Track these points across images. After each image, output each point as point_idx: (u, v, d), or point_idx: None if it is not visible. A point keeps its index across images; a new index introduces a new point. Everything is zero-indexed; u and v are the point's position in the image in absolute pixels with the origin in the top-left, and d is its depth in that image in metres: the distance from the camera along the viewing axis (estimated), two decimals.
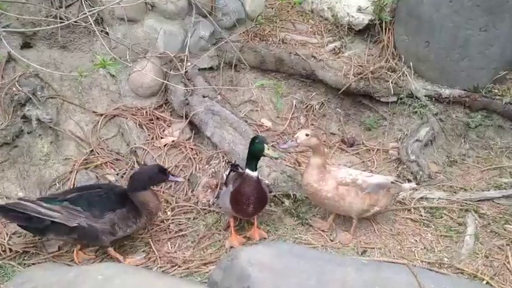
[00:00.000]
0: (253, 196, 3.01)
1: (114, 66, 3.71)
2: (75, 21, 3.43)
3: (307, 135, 3.05)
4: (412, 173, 3.84)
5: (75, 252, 3.10)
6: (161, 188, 3.63)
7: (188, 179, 3.67)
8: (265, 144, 2.98)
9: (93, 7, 3.97)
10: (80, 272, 2.26)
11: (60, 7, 4.01)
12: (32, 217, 2.87)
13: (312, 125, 4.38)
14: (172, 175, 3.21)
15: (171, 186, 3.68)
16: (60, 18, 3.91)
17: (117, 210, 2.96)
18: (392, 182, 3.21)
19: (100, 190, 3.04)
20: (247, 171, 3.02)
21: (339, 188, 3.08)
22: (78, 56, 4.11)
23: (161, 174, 3.08)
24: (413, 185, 3.45)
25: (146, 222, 3.11)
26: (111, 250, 3.06)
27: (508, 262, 3.02)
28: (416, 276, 2.31)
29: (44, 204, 2.86)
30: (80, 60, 4.09)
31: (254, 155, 3.02)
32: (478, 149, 4.18)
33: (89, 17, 3.64)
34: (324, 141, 4.20)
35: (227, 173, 3.35)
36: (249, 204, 3.02)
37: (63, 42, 4.07)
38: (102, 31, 4.09)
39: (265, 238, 3.25)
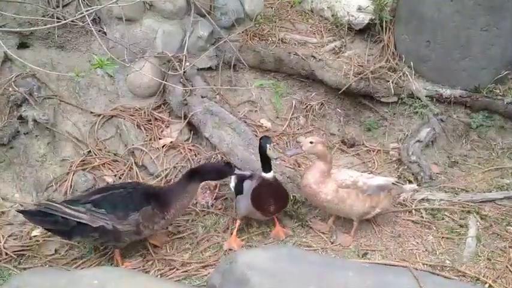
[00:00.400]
0: (272, 197, 3.06)
1: (112, 66, 3.67)
2: (72, 21, 3.38)
3: (311, 142, 3.02)
4: (413, 174, 3.80)
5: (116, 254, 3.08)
6: None
7: None
8: (267, 145, 2.98)
9: (91, 6, 3.93)
10: (76, 277, 2.22)
11: (57, 6, 3.97)
12: (58, 220, 2.83)
13: (312, 125, 4.33)
14: (238, 169, 3.25)
15: None
16: (57, 18, 3.87)
17: (142, 209, 2.92)
18: (393, 183, 3.17)
19: (123, 190, 2.98)
20: (262, 174, 3.05)
21: (339, 190, 3.04)
22: (76, 56, 4.07)
23: (228, 168, 3.14)
24: (414, 186, 3.42)
25: (175, 214, 3.06)
26: (118, 251, 3.02)
27: (511, 264, 2.98)
28: (418, 280, 2.27)
29: (71, 206, 2.84)
30: (78, 60, 4.05)
31: (261, 155, 3.05)
32: (480, 150, 4.14)
33: (86, 16, 3.60)
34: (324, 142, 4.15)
35: (233, 184, 3.29)
36: (270, 205, 3.07)
37: (60, 42, 4.02)
38: (99, 31, 4.04)
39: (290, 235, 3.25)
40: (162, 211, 2.98)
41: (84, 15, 3.60)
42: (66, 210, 2.80)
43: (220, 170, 3.12)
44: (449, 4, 3.95)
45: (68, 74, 3.64)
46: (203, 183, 3.30)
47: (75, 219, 2.81)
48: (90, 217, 2.82)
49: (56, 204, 2.84)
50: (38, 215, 2.87)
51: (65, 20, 3.51)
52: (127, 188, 3.01)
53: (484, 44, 4.03)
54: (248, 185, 3.15)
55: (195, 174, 3.07)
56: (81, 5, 3.84)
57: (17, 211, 3.03)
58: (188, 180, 3.06)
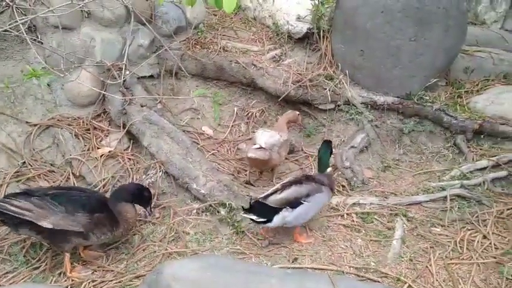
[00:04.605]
0: None
1: (46, 76, 3.64)
2: (5, 30, 3.34)
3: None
4: (346, 179, 3.96)
5: (81, 249, 3.18)
6: None
7: None
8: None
9: (25, 15, 3.87)
10: None
11: None
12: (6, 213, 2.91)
13: (253, 132, 4.42)
14: (151, 209, 3.30)
15: None
16: None
17: (94, 215, 3.00)
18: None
19: (82, 192, 3.10)
20: (328, 170, 3.40)
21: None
22: (11, 65, 4.00)
23: (145, 202, 3.22)
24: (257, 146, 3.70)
25: (123, 232, 3.16)
26: (67, 257, 3.04)
27: (431, 265, 3.16)
28: (335, 285, 2.40)
29: (16, 203, 2.90)
30: (13, 69, 3.99)
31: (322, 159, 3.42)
32: (411, 154, 4.35)
33: (21, 25, 3.55)
34: None
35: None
36: None
37: None
38: (35, 40, 3.99)
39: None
40: (111, 225, 3.07)
41: (18, 24, 3.56)
42: (10, 208, 2.88)
43: (137, 197, 3.18)
44: (380, 15, 4.14)
45: None
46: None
47: (19, 216, 2.88)
48: (36, 214, 2.88)
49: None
50: None
51: None
52: (86, 192, 3.14)
53: (413, 54, 4.24)
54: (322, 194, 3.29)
55: (119, 195, 3.14)
56: (15, 13, 3.78)
57: None
58: (115, 200, 3.12)
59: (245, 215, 3.15)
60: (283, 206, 3.14)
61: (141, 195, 3.18)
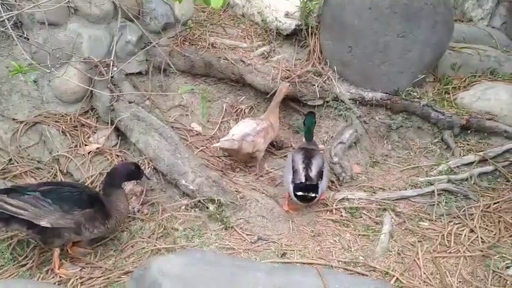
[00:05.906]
0: None
1: (32, 72, 3.61)
2: None
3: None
4: (335, 175, 3.97)
5: (69, 246, 3.16)
6: None
7: None
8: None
9: (11, 10, 3.84)
10: None
11: None
12: None
13: None
14: (147, 177, 3.49)
15: None
16: None
17: (86, 211, 2.99)
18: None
19: (71, 188, 3.08)
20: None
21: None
22: None
23: (137, 170, 3.30)
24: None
25: (116, 224, 3.16)
26: (56, 253, 3.02)
27: (418, 258, 3.19)
28: (323, 277, 2.41)
29: (12, 202, 2.85)
30: None
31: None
32: (399, 150, 4.38)
33: (6, 21, 3.52)
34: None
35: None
36: None
37: None
38: (21, 36, 3.95)
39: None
40: (103, 218, 3.06)
41: (4, 20, 3.53)
42: (7, 207, 2.84)
43: (129, 174, 3.26)
44: (368, 12, 4.15)
45: None
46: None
47: (15, 215, 2.85)
48: (31, 212, 2.85)
49: None
50: None
51: None
52: (76, 187, 3.11)
53: (401, 50, 4.26)
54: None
55: (111, 182, 3.15)
56: (1, 9, 3.74)
57: None
58: (109, 188, 3.12)
59: (309, 195, 3.37)
60: (319, 180, 3.47)
61: (132, 171, 3.26)
